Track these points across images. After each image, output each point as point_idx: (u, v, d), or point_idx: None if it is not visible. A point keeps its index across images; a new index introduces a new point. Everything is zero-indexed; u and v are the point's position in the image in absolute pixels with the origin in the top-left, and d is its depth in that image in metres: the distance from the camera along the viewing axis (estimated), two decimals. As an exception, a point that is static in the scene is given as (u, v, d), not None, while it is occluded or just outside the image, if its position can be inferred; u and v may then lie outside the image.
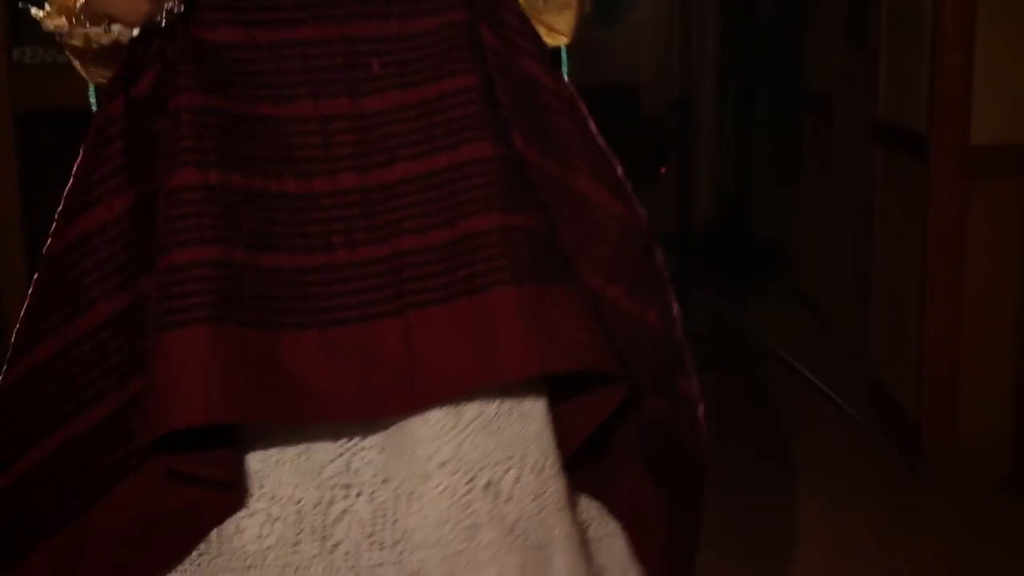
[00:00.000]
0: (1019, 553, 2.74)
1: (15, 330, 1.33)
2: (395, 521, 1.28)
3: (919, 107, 3.18)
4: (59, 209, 1.33)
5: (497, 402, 1.29)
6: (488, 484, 1.28)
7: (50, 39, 1.43)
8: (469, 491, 1.28)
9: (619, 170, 1.39)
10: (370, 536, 1.28)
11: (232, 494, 1.27)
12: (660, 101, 4.75)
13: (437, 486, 1.27)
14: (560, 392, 1.33)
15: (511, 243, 1.26)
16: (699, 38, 4.95)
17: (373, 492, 1.28)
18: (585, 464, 1.37)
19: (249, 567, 1.28)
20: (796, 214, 4.80)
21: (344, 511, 1.28)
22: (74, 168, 1.34)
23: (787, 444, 3.51)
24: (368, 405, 1.24)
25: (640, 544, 1.43)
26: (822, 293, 4.42)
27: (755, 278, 5.33)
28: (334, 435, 1.29)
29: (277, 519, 1.28)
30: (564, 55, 1.43)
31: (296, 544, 1.28)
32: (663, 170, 4.17)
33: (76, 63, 1.43)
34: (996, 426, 3.12)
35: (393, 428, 1.28)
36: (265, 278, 1.25)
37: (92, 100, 1.46)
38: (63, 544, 1.30)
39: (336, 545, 1.28)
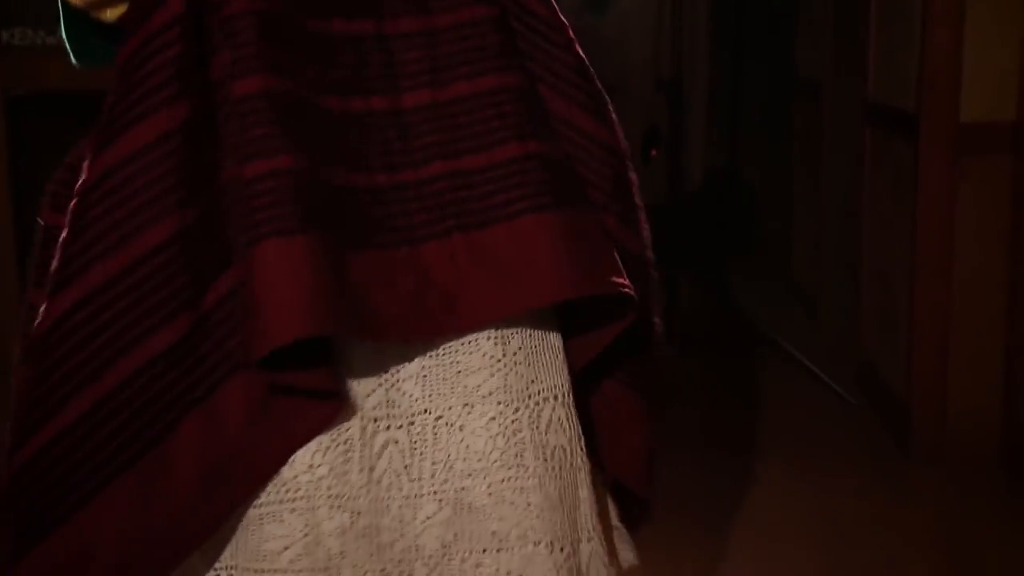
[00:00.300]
0: (1006, 532, 2.74)
1: (53, 267, 1.27)
2: (435, 452, 1.30)
3: (909, 87, 3.18)
4: (97, 130, 1.28)
5: (533, 332, 1.32)
6: (531, 414, 1.31)
7: (40, 20, 1.39)
8: (515, 421, 1.30)
9: (608, 102, 1.41)
10: (408, 467, 1.29)
11: (326, 409, 1.26)
12: (650, 84, 4.74)
13: (483, 415, 1.29)
14: (566, 318, 1.36)
15: (544, 170, 1.29)
16: (689, 24, 4.94)
17: (412, 423, 1.29)
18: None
19: (300, 498, 1.28)
20: (787, 200, 4.80)
21: (386, 442, 1.29)
22: (115, 85, 1.28)
23: (777, 423, 3.52)
24: (424, 326, 1.25)
25: (616, 446, 1.45)
26: (813, 278, 4.42)
27: (747, 264, 5.34)
28: (375, 365, 1.29)
29: (328, 448, 1.28)
30: None
31: (345, 474, 1.28)
32: (654, 153, 4.16)
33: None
34: (985, 407, 3.13)
35: (437, 358, 1.28)
36: (333, 194, 1.25)
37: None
38: (137, 480, 1.27)
39: (380, 476, 1.29)
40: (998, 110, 2.99)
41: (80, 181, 1.28)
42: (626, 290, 1.29)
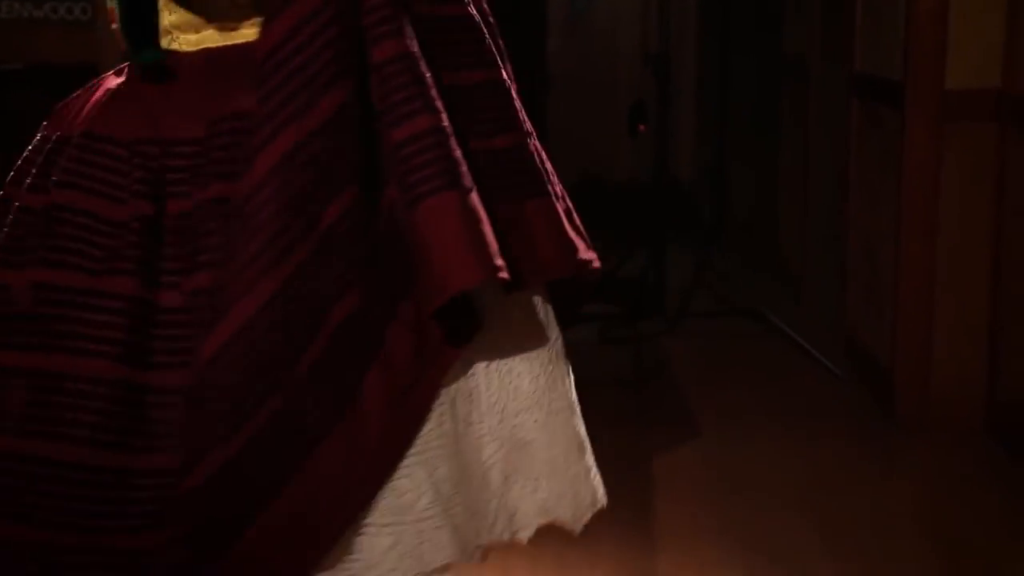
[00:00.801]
0: (989, 495, 2.77)
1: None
2: (489, 396, 1.48)
3: (894, 56, 3.20)
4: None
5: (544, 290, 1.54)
6: (555, 352, 1.54)
7: None
8: (549, 360, 1.53)
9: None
10: (469, 413, 1.48)
11: (455, 355, 1.43)
12: (638, 59, 4.76)
13: (527, 358, 1.50)
14: None
15: (531, 158, 1.49)
16: (677, 1, 4.96)
17: (473, 373, 1.48)
18: None
19: (419, 452, 1.45)
20: (774, 176, 4.82)
21: (457, 390, 1.47)
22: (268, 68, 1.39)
23: (764, 394, 3.55)
24: (553, 269, 1.47)
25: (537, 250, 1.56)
26: (799, 253, 4.45)
27: (735, 241, 5.36)
28: None
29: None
30: None
31: (441, 424, 1.45)
32: (642, 128, 4.18)
33: None
34: (969, 374, 3.16)
35: (497, 310, 1.46)
36: (469, 155, 1.42)
37: None
38: (351, 420, 1.40)
39: (457, 423, 1.47)
40: (983, 77, 3.02)
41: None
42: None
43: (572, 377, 1.57)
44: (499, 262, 1.37)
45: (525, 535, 1.57)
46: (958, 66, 3.03)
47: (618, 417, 3.34)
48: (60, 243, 1.43)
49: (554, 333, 1.54)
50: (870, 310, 3.50)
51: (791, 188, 4.60)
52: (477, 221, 1.37)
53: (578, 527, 1.57)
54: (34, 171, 1.48)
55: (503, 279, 1.37)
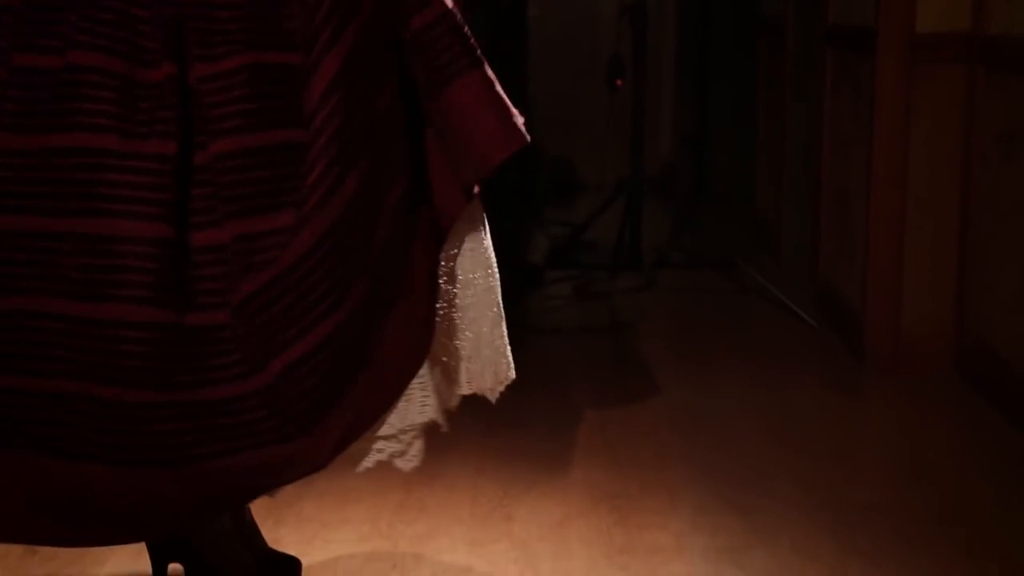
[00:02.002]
0: (951, 429, 2.81)
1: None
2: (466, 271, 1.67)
3: (867, 3, 3.23)
4: None
5: None
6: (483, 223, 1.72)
7: None
8: (480, 231, 1.70)
9: None
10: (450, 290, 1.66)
11: None
12: (614, 13, 4.77)
13: (474, 234, 1.67)
14: None
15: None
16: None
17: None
18: None
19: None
20: (751, 132, 4.86)
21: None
22: None
23: (738, 342, 3.58)
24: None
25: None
26: (774, 208, 4.49)
27: (712, 197, 5.40)
28: None
29: None
30: None
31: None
32: (619, 83, 4.21)
33: None
34: (938, 317, 3.19)
35: None
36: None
37: None
38: (408, 290, 1.56)
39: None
40: (952, 21, 3.06)
41: None
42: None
43: (492, 250, 1.69)
44: (522, 128, 1.54)
45: (454, 402, 1.75)
46: (928, 10, 3.07)
47: (592, 362, 3.38)
48: (90, 106, 1.43)
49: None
50: (842, 258, 3.54)
51: (768, 144, 4.64)
52: (499, 94, 1.53)
53: (494, 396, 1.71)
54: (29, 31, 1.47)
55: (526, 142, 1.54)
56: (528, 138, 1.54)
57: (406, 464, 1.74)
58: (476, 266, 1.66)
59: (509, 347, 1.70)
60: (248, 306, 1.46)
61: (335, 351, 1.49)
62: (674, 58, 5.72)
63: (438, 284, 1.61)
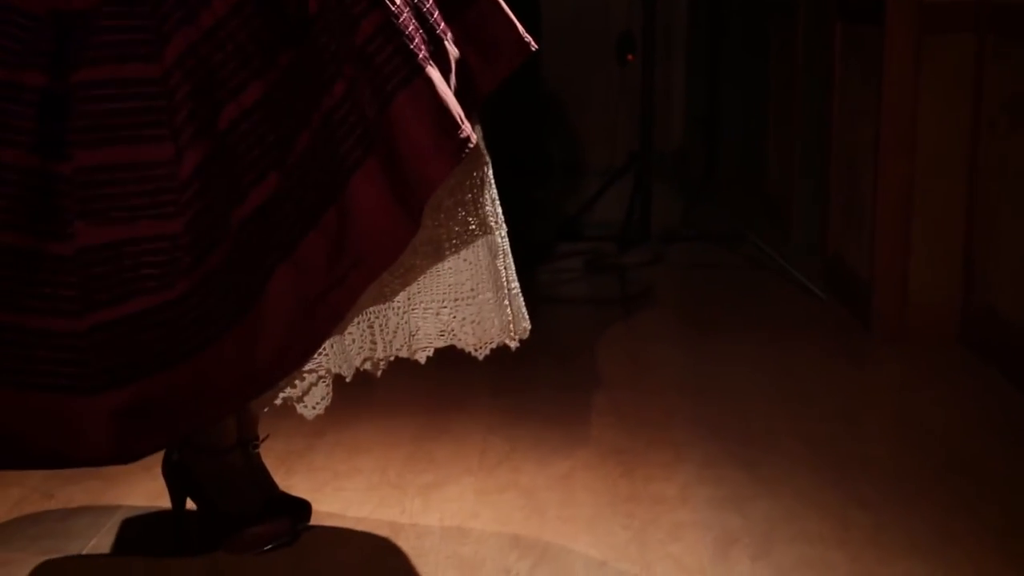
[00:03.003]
0: (956, 394, 2.83)
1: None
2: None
3: (877, -26, 3.25)
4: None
5: None
6: (482, 179, 1.76)
7: None
8: (473, 186, 1.73)
9: None
10: None
11: None
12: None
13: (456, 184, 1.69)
14: None
15: None
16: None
17: None
18: None
19: None
20: (763, 110, 4.88)
21: None
22: None
23: (747, 312, 3.61)
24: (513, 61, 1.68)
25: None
26: (785, 183, 4.51)
27: (722, 174, 5.41)
28: None
29: None
30: None
31: None
32: (631, 57, 4.23)
33: None
34: (945, 285, 3.21)
35: None
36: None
37: None
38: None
39: None
40: (962, -11, 3.07)
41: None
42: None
43: (502, 219, 1.69)
44: (464, 134, 1.50)
45: (423, 355, 1.75)
46: (937, -21, 3.08)
47: (601, 332, 3.40)
48: None
49: (485, 158, 1.67)
50: (851, 228, 3.56)
51: (779, 119, 4.65)
52: (441, 105, 1.48)
53: (481, 353, 1.71)
54: None
55: (469, 150, 1.51)
56: (470, 145, 1.52)
57: (308, 412, 1.76)
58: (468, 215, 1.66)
59: (515, 306, 1.70)
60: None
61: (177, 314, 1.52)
62: (685, 34, 5.73)
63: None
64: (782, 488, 2.19)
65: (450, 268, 1.69)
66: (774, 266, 4.00)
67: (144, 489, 2.11)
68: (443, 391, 2.76)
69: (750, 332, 3.37)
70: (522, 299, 1.74)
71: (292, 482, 2.19)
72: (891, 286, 3.25)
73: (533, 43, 1.72)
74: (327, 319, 1.52)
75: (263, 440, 1.96)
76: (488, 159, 1.71)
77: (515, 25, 1.70)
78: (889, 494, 2.16)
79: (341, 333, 1.66)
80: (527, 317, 1.74)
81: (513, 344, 1.74)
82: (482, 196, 1.69)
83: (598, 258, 4.26)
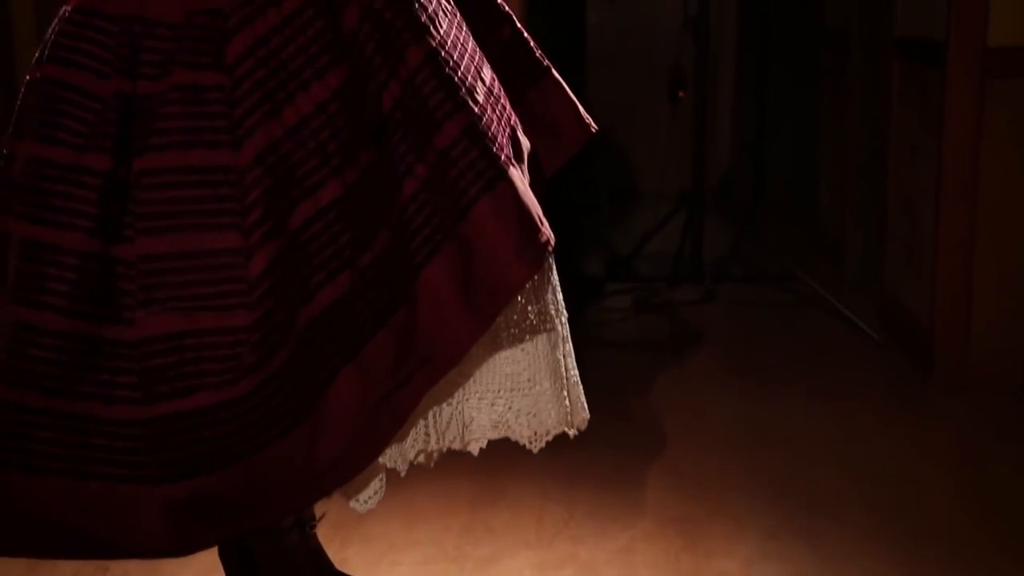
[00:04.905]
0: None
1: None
2: None
3: (937, 16, 3.18)
4: (252, 101, 1.43)
5: None
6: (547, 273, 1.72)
7: None
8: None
9: None
10: None
11: None
12: (677, 24, 4.74)
13: None
14: None
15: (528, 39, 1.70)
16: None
17: None
18: None
19: None
20: (813, 143, 4.80)
21: None
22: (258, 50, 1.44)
23: (801, 356, 3.54)
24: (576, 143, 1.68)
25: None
26: (837, 219, 4.43)
27: (774, 207, 5.34)
28: None
29: None
30: None
31: None
32: (682, 94, 4.18)
33: None
34: (1009, 333, 3.14)
35: None
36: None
37: None
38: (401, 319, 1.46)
39: None
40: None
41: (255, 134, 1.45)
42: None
43: (562, 306, 1.63)
44: (544, 238, 1.46)
45: (476, 447, 1.70)
46: (1000, 24, 3.01)
47: (652, 377, 3.36)
48: (52, 119, 1.48)
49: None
50: (909, 271, 3.49)
51: (831, 154, 4.58)
52: (523, 209, 1.44)
53: (536, 447, 1.65)
54: (43, 45, 1.54)
55: (550, 252, 1.47)
56: (549, 247, 1.47)
57: (360, 507, 1.71)
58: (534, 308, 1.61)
59: (573, 396, 1.64)
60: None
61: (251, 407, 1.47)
62: (734, 67, 5.67)
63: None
64: (848, 568, 2.13)
65: (507, 357, 1.64)
66: (826, 304, 3.94)
67: (200, 564, 2.08)
68: (498, 448, 2.70)
69: (806, 379, 3.30)
70: (581, 388, 1.69)
71: (348, 554, 2.17)
72: (953, 333, 3.18)
73: (593, 124, 1.69)
74: (390, 422, 1.47)
75: (320, 519, 1.93)
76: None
77: (576, 106, 1.67)
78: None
79: (403, 437, 1.62)
80: (586, 407, 1.69)
81: (571, 432, 1.69)
82: (543, 284, 1.64)
83: (647, 296, 4.21)
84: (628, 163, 5.66)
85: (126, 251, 1.49)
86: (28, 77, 1.55)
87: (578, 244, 4.98)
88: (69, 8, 1.53)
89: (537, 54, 1.64)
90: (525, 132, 1.58)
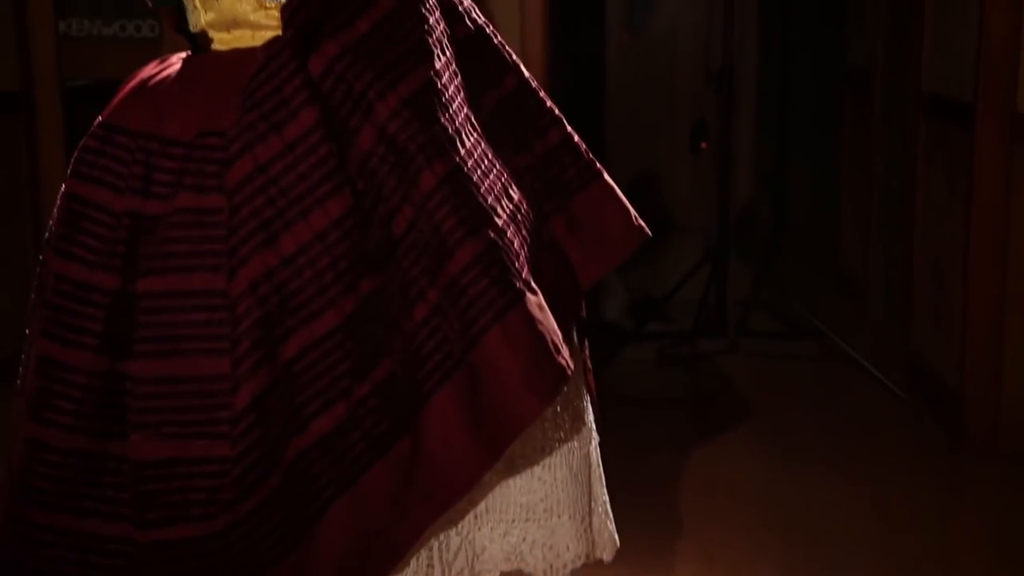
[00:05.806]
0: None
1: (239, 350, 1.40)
2: None
3: (965, 76, 3.15)
4: (253, 225, 1.40)
5: None
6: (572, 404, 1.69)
7: (96, 11, 1.48)
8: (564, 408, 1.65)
9: None
10: None
11: None
12: (700, 77, 4.72)
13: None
14: None
15: (578, 144, 1.65)
16: (739, 15, 4.92)
17: None
18: None
19: None
20: (835, 192, 4.77)
21: None
22: (260, 177, 1.40)
23: (825, 418, 3.49)
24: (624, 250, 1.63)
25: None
26: (861, 271, 4.39)
27: (796, 258, 5.30)
28: None
29: None
30: None
31: None
32: (704, 146, 4.16)
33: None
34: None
35: None
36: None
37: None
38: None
39: None
40: (1055, 99, 2.97)
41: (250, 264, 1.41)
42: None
43: (594, 430, 1.56)
44: (558, 368, 1.39)
45: None
46: (1030, 88, 2.98)
47: (676, 440, 3.31)
48: (70, 234, 1.48)
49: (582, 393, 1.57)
50: (937, 331, 3.45)
51: (853, 204, 4.54)
52: (536, 339, 1.38)
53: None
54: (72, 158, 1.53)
55: (565, 381, 1.40)
56: (564, 378, 1.40)
57: None
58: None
59: (600, 526, 1.57)
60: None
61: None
62: (755, 115, 5.64)
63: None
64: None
65: (522, 486, 1.56)
66: (851, 360, 3.89)
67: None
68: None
69: (832, 444, 3.26)
70: (611, 518, 1.60)
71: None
72: (983, 400, 3.14)
73: (646, 228, 1.62)
74: (386, 557, 1.40)
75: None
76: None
77: (628, 209, 1.60)
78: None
79: (404, 567, 1.56)
80: (616, 537, 1.61)
81: (607, 557, 1.62)
82: (565, 409, 1.57)
83: (671, 346, 4.17)
84: (650, 201, 5.62)
85: (132, 367, 1.46)
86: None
87: (597, 294, 4.95)
88: (99, 120, 1.52)
89: (587, 158, 1.58)
90: (565, 244, 1.53)
